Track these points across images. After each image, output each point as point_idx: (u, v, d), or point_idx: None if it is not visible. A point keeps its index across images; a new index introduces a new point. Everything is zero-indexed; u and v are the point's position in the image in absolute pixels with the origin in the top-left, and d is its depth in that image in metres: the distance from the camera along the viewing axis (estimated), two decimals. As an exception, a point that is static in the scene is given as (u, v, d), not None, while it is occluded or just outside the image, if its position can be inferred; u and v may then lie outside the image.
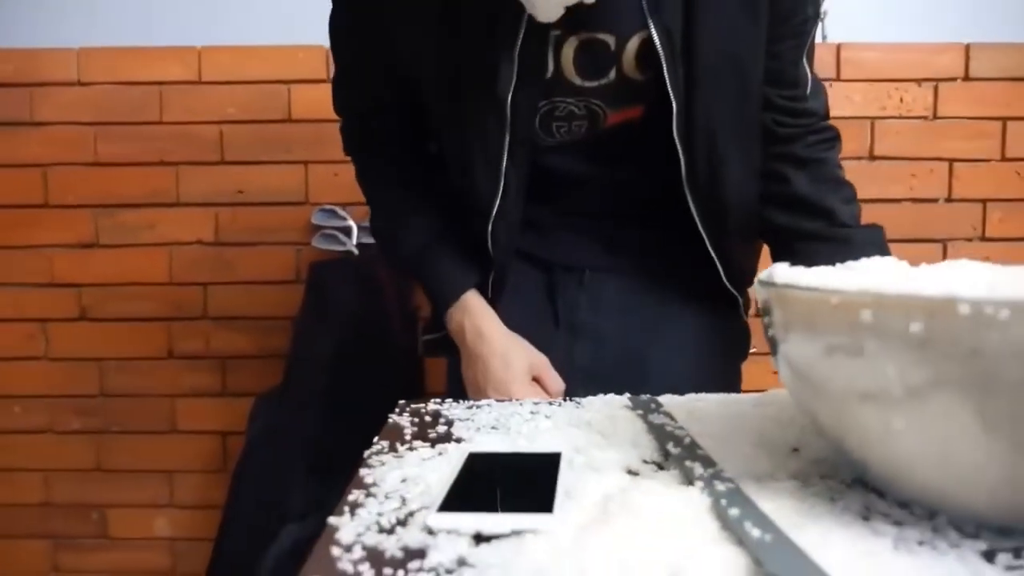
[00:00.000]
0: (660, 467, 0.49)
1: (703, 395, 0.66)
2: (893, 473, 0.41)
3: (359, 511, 0.42)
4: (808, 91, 0.85)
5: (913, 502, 0.41)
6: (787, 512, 0.40)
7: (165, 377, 1.59)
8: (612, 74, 0.78)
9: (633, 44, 0.77)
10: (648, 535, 0.37)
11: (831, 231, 0.82)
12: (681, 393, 0.66)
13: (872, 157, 1.56)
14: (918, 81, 1.55)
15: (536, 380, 0.82)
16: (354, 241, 1.48)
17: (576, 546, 0.37)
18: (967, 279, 0.49)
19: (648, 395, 0.66)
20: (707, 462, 0.47)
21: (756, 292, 0.46)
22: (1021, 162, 1.55)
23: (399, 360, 1.39)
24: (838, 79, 1.54)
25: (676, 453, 0.49)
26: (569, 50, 0.77)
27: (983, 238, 1.57)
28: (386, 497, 0.44)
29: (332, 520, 0.41)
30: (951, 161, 1.56)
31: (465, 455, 0.49)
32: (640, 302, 0.86)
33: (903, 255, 1.40)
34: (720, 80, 0.77)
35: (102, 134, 1.55)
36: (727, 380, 0.88)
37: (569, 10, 0.70)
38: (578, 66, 0.77)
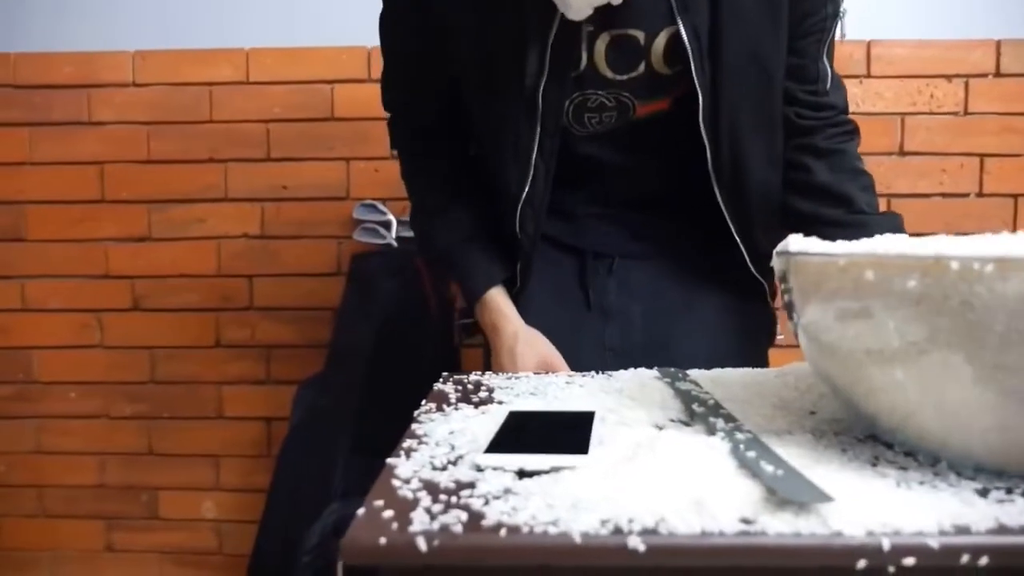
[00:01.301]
0: (686, 424, 0.53)
1: (728, 369, 0.70)
2: (897, 422, 0.45)
3: (413, 454, 0.48)
4: (828, 86, 0.90)
5: (917, 451, 0.45)
6: (800, 458, 0.45)
7: (212, 365, 1.67)
8: (641, 67, 0.83)
9: (661, 40, 0.82)
10: (672, 472, 0.42)
11: (850, 217, 0.85)
12: (707, 371, 0.71)
13: (903, 153, 1.58)
14: (948, 77, 1.56)
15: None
16: (393, 235, 1.54)
17: (607, 480, 0.41)
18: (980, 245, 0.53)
19: (675, 368, 0.71)
20: (729, 419, 0.52)
21: (774, 263, 0.50)
22: (1054, 157, 1.57)
23: (436, 348, 1.45)
24: (868, 76, 1.57)
25: (700, 412, 0.54)
26: (602, 45, 0.82)
27: (1014, 232, 1.58)
28: (436, 444, 0.50)
29: (389, 461, 0.47)
30: (982, 156, 1.57)
31: (507, 412, 0.54)
32: (667, 287, 0.90)
33: None
34: (744, 77, 0.82)
35: (155, 133, 1.64)
36: (752, 363, 0.93)
37: (598, 8, 0.75)
38: (609, 60, 0.82)
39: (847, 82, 1.50)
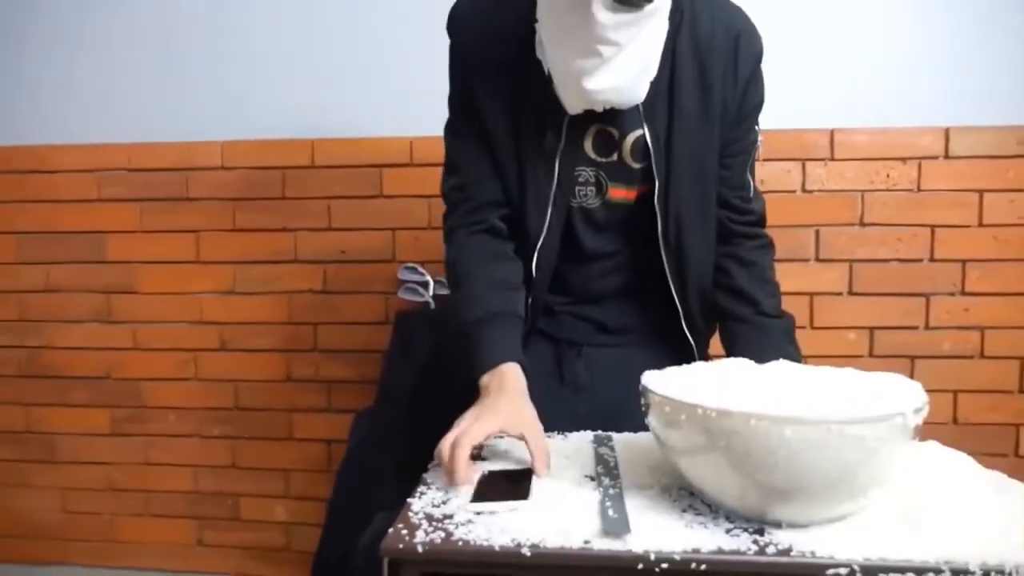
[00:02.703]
0: (592, 479, 0.88)
1: (639, 434, 1.04)
2: (697, 486, 0.79)
3: (423, 496, 0.84)
4: (751, 194, 1.22)
5: (709, 503, 0.79)
6: (641, 504, 0.79)
7: (284, 396, 2.07)
8: (615, 156, 1.13)
9: (631, 138, 1.11)
10: (561, 512, 0.77)
11: (754, 318, 1.18)
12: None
13: (863, 224, 1.87)
14: (903, 159, 1.85)
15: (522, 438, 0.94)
16: (430, 293, 1.92)
17: (526, 515, 0.77)
18: (775, 380, 0.86)
19: (610, 432, 1.05)
20: (614, 476, 0.86)
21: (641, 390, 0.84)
22: (997, 228, 1.84)
23: (463, 391, 1.81)
24: (832, 159, 1.87)
25: (599, 471, 0.88)
26: (591, 133, 1.13)
27: (963, 293, 1.86)
28: (436, 490, 0.86)
29: (408, 500, 0.83)
30: (933, 227, 1.85)
31: (480, 471, 0.90)
32: (627, 366, 1.22)
33: (893, 309, 1.79)
34: (688, 172, 1.12)
35: (240, 207, 2.05)
36: None
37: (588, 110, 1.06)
38: (594, 145, 1.13)
39: (814, 164, 1.85)
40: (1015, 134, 1.81)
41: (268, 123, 2.02)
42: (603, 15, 0.95)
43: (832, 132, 1.86)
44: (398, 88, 1.96)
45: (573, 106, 1.07)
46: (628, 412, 1.15)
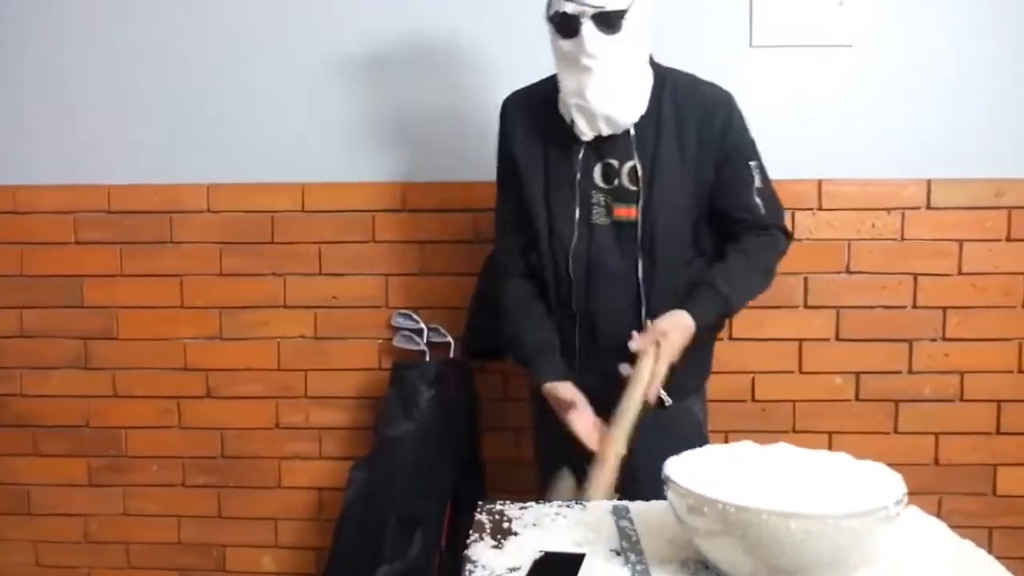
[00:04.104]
0: (618, 553, 1.10)
1: (653, 503, 1.26)
2: (714, 564, 1.02)
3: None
4: (763, 212, 1.60)
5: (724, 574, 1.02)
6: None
7: (273, 444, 2.25)
8: (616, 182, 1.56)
9: (626, 167, 1.55)
10: (599, 589, 0.99)
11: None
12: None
13: (849, 272, 2.13)
14: (888, 210, 2.12)
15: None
16: (425, 340, 2.12)
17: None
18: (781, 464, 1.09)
19: (625, 502, 1.28)
20: (638, 552, 1.09)
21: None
22: (976, 276, 2.11)
23: (463, 438, 2.03)
24: (820, 208, 2.12)
25: (626, 546, 1.11)
26: (598, 166, 1.57)
27: (944, 338, 2.13)
28: (483, 568, 1.07)
29: (461, 578, 1.04)
30: (916, 275, 2.13)
31: (536, 552, 1.11)
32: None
33: (877, 354, 2.07)
34: (664, 192, 1.54)
35: (226, 251, 2.22)
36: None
37: (594, 144, 1.54)
38: (601, 175, 1.57)
39: (803, 214, 2.10)
40: (993, 186, 2.09)
41: (255, 165, 2.19)
42: (588, 37, 1.45)
43: (820, 183, 2.12)
44: (390, 134, 2.15)
45: (585, 130, 1.53)
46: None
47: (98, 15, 2.20)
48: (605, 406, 1.50)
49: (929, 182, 2.10)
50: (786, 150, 2.09)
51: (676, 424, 1.59)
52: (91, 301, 2.26)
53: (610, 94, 1.49)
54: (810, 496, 0.97)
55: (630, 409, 1.45)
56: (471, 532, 1.19)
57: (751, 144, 1.63)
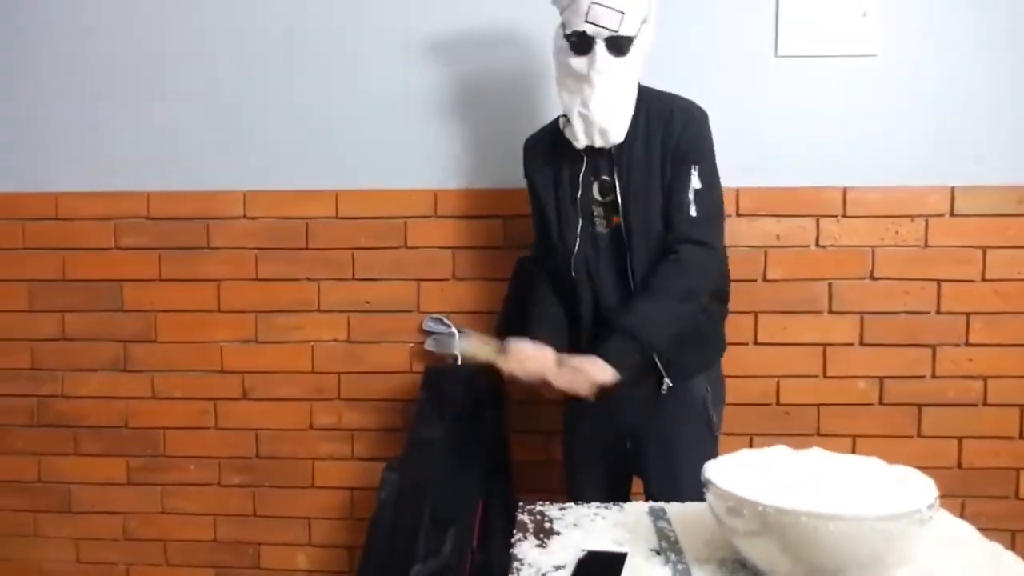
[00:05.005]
0: (657, 552, 1.15)
1: (687, 504, 1.31)
2: (753, 562, 1.06)
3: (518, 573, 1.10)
4: (693, 215, 1.68)
5: (762, 574, 1.07)
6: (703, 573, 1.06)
7: (306, 444, 2.31)
8: (611, 196, 1.72)
9: (619, 184, 1.71)
10: (643, 587, 1.04)
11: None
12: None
13: (874, 278, 2.17)
14: (911, 217, 2.15)
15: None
16: (456, 344, 2.17)
17: (613, 590, 1.03)
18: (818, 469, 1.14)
19: (660, 503, 1.32)
20: (678, 551, 1.13)
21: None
22: (999, 282, 2.14)
23: (493, 442, 2.08)
24: (845, 215, 2.16)
25: (665, 546, 1.15)
26: (595, 184, 1.74)
27: (967, 343, 2.16)
28: (528, 565, 1.12)
29: (508, 576, 1.09)
30: (939, 281, 2.16)
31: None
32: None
33: (901, 359, 2.11)
34: (638, 199, 1.70)
35: (262, 257, 2.28)
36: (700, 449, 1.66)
37: (592, 162, 1.72)
38: (598, 191, 1.75)
39: (828, 220, 2.14)
40: (1016, 193, 2.12)
41: (292, 173, 2.25)
42: (600, 57, 1.62)
43: (845, 190, 2.15)
44: (421, 144, 2.21)
45: (580, 136, 1.69)
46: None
47: (137, 28, 2.27)
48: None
49: (952, 189, 2.14)
50: (811, 158, 2.15)
51: (679, 400, 1.75)
52: (131, 305, 2.32)
53: (609, 109, 1.67)
54: (845, 499, 1.01)
55: (485, 354, 1.74)
56: (515, 532, 1.24)
57: (703, 152, 1.73)
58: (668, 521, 1.26)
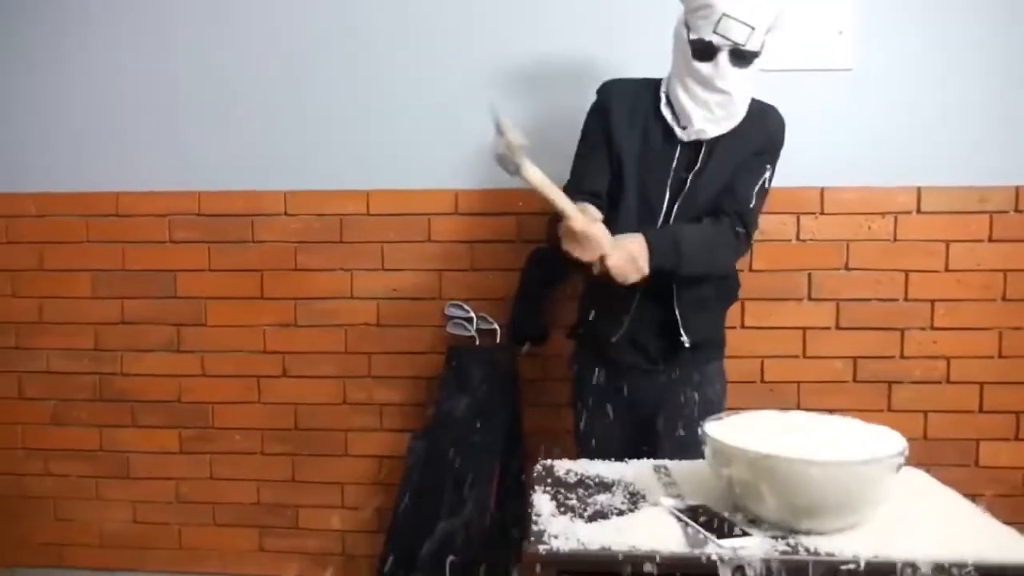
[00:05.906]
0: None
1: (686, 463, 1.37)
2: (743, 506, 1.12)
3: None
4: (752, 206, 1.71)
5: (753, 517, 1.12)
6: (703, 519, 1.12)
7: (340, 417, 2.37)
8: (696, 168, 1.70)
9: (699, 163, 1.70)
10: (655, 527, 1.09)
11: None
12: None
13: (848, 268, 2.22)
14: (882, 214, 2.20)
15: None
16: (475, 327, 2.22)
17: (638, 527, 1.09)
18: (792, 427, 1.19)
19: (664, 461, 1.38)
20: (680, 498, 1.19)
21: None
22: (961, 272, 2.19)
23: (508, 414, 2.13)
24: (822, 213, 2.21)
25: (671, 493, 1.21)
26: (680, 156, 1.69)
27: (932, 327, 2.22)
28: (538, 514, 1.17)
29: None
30: (907, 272, 2.21)
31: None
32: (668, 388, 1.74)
33: (872, 341, 2.15)
34: (716, 182, 1.70)
35: (301, 249, 2.34)
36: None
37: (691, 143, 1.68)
38: (689, 172, 1.70)
39: (807, 217, 2.18)
40: (976, 193, 2.18)
41: (328, 174, 2.31)
42: (723, 65, 1.58)
43: (822, 190, 2.21)
44: (446, 147, 2.26)
45: (687, 133, 1.66)
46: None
47: (192, 39, 2.33)
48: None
49: (919, 189, 2.19)
50: (792, 161, 2.17)
51: (698, 402, 1.75)
52: (183, 292, 2.38)
53: (720, 121, 1.64)
54: (826, 448, 1.07)
55: (557, 196, 1.51)
56: (534, 486, 1.30)
57: (777, 157, 1.75)
58: (669, 475, 1.31)
